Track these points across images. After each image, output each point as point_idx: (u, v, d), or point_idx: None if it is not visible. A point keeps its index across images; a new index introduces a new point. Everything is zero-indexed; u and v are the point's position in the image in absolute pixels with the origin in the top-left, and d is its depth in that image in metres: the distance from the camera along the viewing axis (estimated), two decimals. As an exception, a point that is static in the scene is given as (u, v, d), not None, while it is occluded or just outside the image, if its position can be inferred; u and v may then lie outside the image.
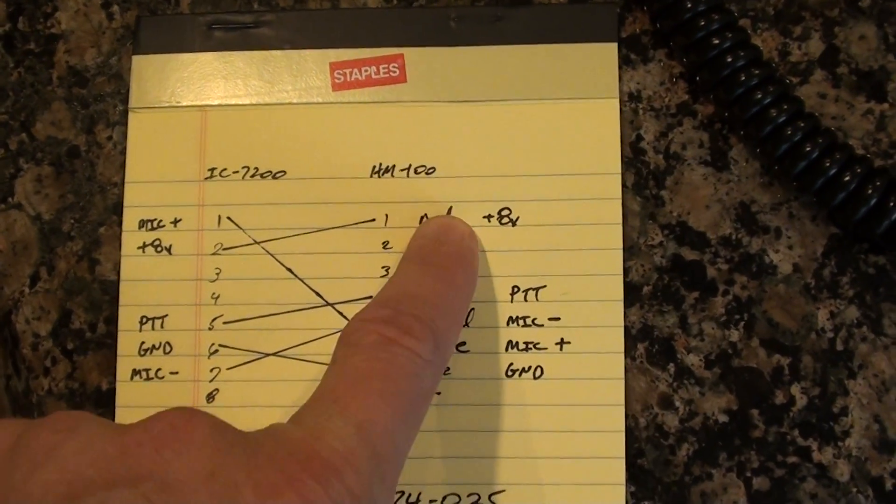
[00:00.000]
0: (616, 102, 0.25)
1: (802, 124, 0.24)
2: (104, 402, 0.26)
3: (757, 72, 0.24)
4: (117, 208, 0.26)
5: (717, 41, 0.24)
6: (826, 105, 0.25)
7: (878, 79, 0.25)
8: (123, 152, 0.26)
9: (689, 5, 0.24)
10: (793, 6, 0.26)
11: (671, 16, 0.24)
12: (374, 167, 0.26)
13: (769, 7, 0.26)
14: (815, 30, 0.26)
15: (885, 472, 0.24)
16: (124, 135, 0.26)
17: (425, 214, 0.25)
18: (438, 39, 0.26)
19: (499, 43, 0.26)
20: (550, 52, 0.26)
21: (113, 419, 0.25)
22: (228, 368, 0.25)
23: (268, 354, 0.25)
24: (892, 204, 0.23)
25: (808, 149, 0.24)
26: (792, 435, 0.24)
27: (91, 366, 0.26)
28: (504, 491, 0.24)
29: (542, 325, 0.25)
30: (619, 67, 0.26)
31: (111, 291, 0.26)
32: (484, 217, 0.25)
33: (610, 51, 0.26)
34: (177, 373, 0.25)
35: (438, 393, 0.25)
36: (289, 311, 0.25)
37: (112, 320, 0.26)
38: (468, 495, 0.24)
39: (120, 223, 0.26)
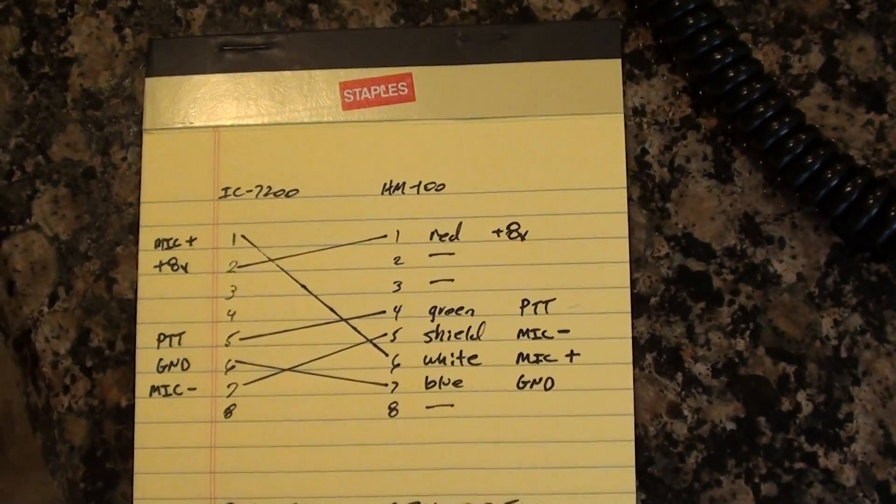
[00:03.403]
0: (621, 118, 0.26)
1: (803, 136, 0.24)
2: (124, 419, 0.26)
3: (758, 86, 0.24)
4: (133, 228, 0.27)
5: (718, 56, 0.25)
6: (826, 117, 0.26)
7: (878, 90, 0.26)
8: (138, 173, 0.27)
9: (691, 21, 0.25)
10: (792, 20, 0.26)
11: (673, 32, 0.25)
12: (385, 184, 0.26)
13: (769, 21, 0.26)
14: (814, 43, 0.26)
15: (890, 476, 0.24)
16: (139, 155, 0.27)
17: (435, 230, 0.26)
18: (446, 58, 0.27)
19: (505, 61, 0.26)
20: (555, 68, 0.26)
21: (132, 435, 0.26)
22: (245, 384, 0.26)
23: (283, 370, 0.26)
24: (892, 213, 0.24)
25: (809, 160, 0.24)
26: (798, 441, 0.25)
27: (110, 383, 0.26)
28: (517, 501, 0.25)
29: (551, 338, 0.25)
30: (623, 83, 0.26)
31: (128, 310, 0.27)
32: (493, 232, 0.26)
33: (614, 67, 0.26)
34: (195, 389, 0.26)
35: (451, 405, 0.25)
36: (303, 327, 0.26)
37: (130, 338, 0.26)
38: (482, 505, 0.25)
39: (136, 242, 0.27)
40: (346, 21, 0.27)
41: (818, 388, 0.25)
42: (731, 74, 0.24)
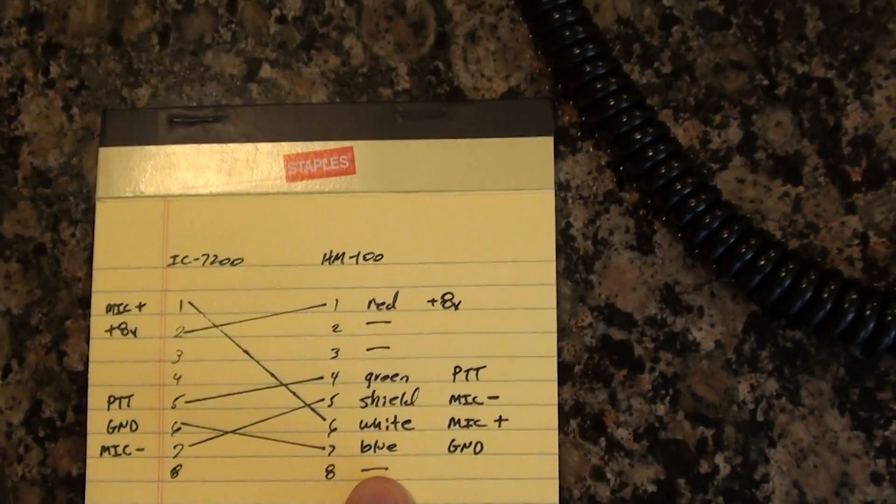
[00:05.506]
0: (552, 193, 0.27)
1: (719, 213, 0.26)
2: (75, 487, 0.27)
3: (675, 164, 0.26)
4: (82, 302, 0.28)
5: (638, 136, 0.26)
6: (744, 189, 0.27)
7: (794, 163, 0.27)
8: (87, 248, 0.28)
9: (612, 102, 0.26)
10: (712, 96, 0.28)
11: (595, 112, 0.26)
12: (326, 254, 0.27)
13: (690, 97, 0.28)
14: (733, 118, 0.27)
15: (805, 535, 0.26)
16: (87, 232, 0.28)
17: (373, 299, 0.27)
18: (386, 133, 0.28)
19: (443, 136, 0.28)
20: (490, 145, 0.27)
21: (83, 496, 0.27)
22: (191, 445, 0.27)
23: (227, 432, 0.27)
24: (804, 285, 0.25)
25: (724, 236, 0.25)
26: (717, 502, 0.26)
27: (62, 452, 0.27)
28: (447, 562, 0.26)
29: (482, 404, 0.26)
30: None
31: (78, 381, 0.28)
32: (428, 301, 0.27)
33: (546, 144, 0.27)
34: (143, 449, 0.27)
35: (386, 468, 0.26)
36: (246, 391, 0.27)
37: (80, 409, 0.27)
38: (413, 567, 0.26)
39: (85, 316, 0.28)
40: (285, 100, 0.28)
41: (735, 450, 0.26)
42: (650, 154, 0.26)
